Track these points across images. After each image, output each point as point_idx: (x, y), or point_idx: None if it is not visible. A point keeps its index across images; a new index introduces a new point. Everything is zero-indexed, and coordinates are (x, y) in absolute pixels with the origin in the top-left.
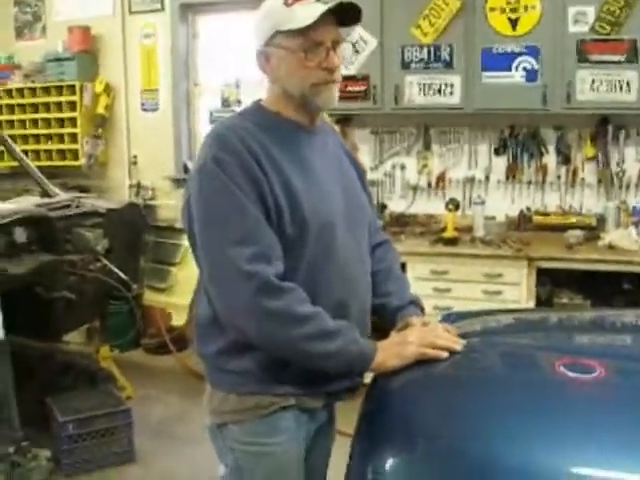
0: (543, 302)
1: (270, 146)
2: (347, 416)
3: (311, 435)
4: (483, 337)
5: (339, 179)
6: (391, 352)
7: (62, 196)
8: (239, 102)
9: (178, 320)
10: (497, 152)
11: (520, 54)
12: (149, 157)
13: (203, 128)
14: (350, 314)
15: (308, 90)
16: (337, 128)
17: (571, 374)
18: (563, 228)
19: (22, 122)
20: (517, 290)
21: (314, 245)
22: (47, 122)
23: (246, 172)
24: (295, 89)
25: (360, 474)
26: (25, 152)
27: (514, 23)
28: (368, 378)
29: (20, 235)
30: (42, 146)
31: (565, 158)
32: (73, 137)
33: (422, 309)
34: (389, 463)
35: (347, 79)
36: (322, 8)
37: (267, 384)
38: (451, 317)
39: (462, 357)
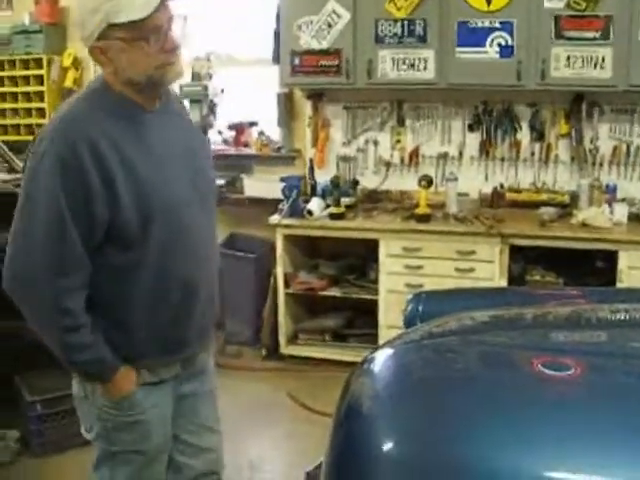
0: (516, 279)
1: (114, 134)
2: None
3: (181, 393)
4: (459, 336)
5: (188, 160)
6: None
7: None
8: (210, 76)
9: None
10: (471, 128)
11: (495, 29)
12: None
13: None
14: (199, 291)
15: (153, 73)
16: (308, 102)
17: (549, 372)
18: (536, 205)
19: None
20: (490, 267)
21: (162, 228)
22: (14, 96)
23: (81, 175)
24: (140, 76)
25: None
26: None
27: None
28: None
29: None
30: (9, 121)
31: (539, 135)
32: (41, 111)
33: None
34: (365, 464)
35: (320, 53)
36: None
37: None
38: (421, 297)
39: (438, 357)
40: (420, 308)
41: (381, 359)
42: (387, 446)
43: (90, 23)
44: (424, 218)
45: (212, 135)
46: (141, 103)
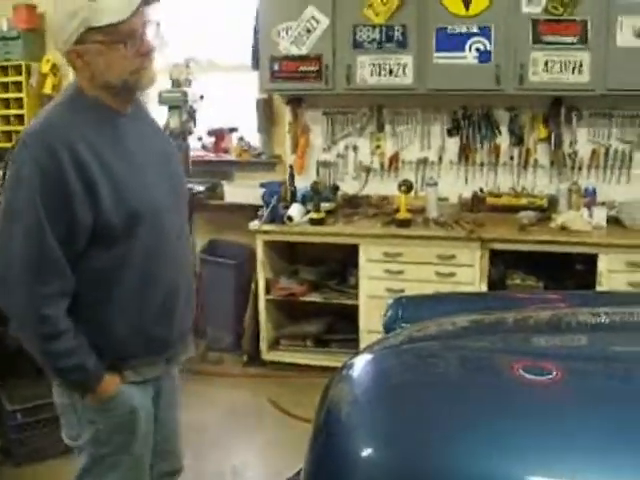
0: (496, 283)
1: (92, 138)
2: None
3: (156, 397)
4: (439, 341)
5: (161, 164)
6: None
7: None
8: (189, 82)
9: None
10: (450, 133)
11: (473, 35)
12: None
13: (153, 108)
14: (180, 294)
15: (129, 77)
16: (287, 108)
17: (529, 376)
18: (516, 209)
19: None
20: (470, 271)
21: (147, 230)
22: None
23: (62, 180)
24: (116, 79)
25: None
26: None
27: (467, 3)
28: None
29: None
30: None
31: (518, 139)
32: (19, 118)
33: None
34: (343, 471)
35: (299, 59)
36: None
37: (111, 362)
38: (401, 301)
39: (418, 362)
40: (400, 313)
41: (360, 364)
42: (366, 452)
43: (69, 27)
44: (404, 223)
45: (192, 141)
46: (115, 107)
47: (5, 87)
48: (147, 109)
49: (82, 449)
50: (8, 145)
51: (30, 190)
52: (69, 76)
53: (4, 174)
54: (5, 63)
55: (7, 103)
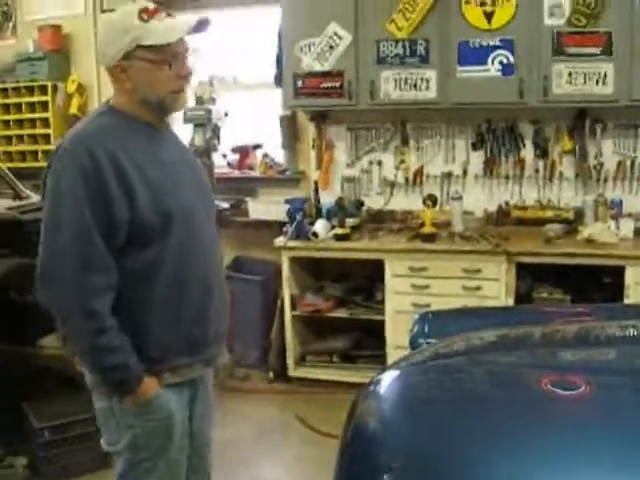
0: (523, 297)
1: (129, 147)
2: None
3: (191, 403)
4: (466, 356)
5: (189, 171)
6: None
7: (34, 198)
8: (213, 100)
9: None
10: (474, 147)
11: (496, 48)
12: None
13: (178, 127)
14: (214, 295)
15: (166, 97)
16: (311, 124)
17: (558, 391)
18: (541, 222)
19: None
20: (496, 285)
21: (180, 230)
22: (19, 123)
23: (101, 179)
24: (154, 97)
25: None
26: None
27: (489, 16)
28: None
29: None
30: (14, 147)
31: (543, 152)
32: (46, 138)
33: None
34: None
35: (322, 75)
36: (181, 25)
37: (152, 362)
38: (427, 317)
39: (445, 378)
40: (426, 328)
41: (387, 381)
42: (394, 468)
43: (119, 42)
44: (429, 237)
45: (216, 158)
46: (150, 121)
47: (32, 107)
48: (171, 127)
49: (120, 454)
50: (35, 164)
51: (74, 192)
52: (94, 96)
53: (44, 183)
54: (31, 84)
55: (34, 123)
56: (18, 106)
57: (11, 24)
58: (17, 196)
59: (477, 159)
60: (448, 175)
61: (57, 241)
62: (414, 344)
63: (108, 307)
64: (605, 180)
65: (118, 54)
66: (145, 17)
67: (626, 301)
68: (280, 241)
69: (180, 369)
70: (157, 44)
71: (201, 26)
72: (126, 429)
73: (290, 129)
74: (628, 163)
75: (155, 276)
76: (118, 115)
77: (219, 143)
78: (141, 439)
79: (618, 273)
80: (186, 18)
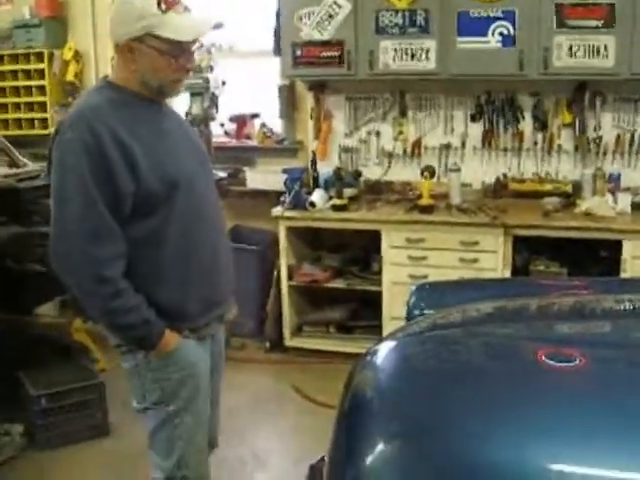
0: (519, 270)
1: (129, 120)
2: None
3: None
4: (463, 328)
5: (189, 142)
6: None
7: (31, 166)
8: (211, 68)
9: None
10: (473, 118)
11: (496, 19)
12: None
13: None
14: (221, 256)
15: (167, 84)
16: (310, 94)
17: (553, 363)
18: (539, 195)
19: None
20: (493, 258)
21: (184, 197)
22: (15, 90)
23: (103, 154)
24: (155, 81)
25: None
26: None
27: None
28: None
29: None
30: (10, 115)
31: (542, 124)
32: (42, 106)
33: None
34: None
35: (321, 44)
36: (198, 26)
37: (170, 323)
38: (424, 288)
39: (442, 349)
40: (423, 299)
41: (384, 351)
42: (390, 438)
43: (132, 25)
44: (427, 209)
45: (214, 127)
46: (147, 96)
47: (28, 75)
48: (174, 110)
49: (149, 410)
50: (32, 132)
51: (79, 167)
52: (91, 63)
53: (49, 160)
54: (27, 50)
55: (30, 90)
56: (14, 73)
57: None
58: (13, 164)
59: (476, 131)
60: (446, 146)
61: (65, 215)
62: (411, 315)
63: (120, 273)
64: (604, 154)
65: (127, 36)
66: (163, 7)
67: (623, 275)
68: (277, 211)
69: (199, 329)
70: (170, 38)
71: (215, 28)
72: (152, 384)
73: (288, 98)
74: (627, 137)
75: (163, 242)
76: (118, 90)
77: (217, 112)
78: (168, 391)
79: (615, 247)
80: (203, 18)
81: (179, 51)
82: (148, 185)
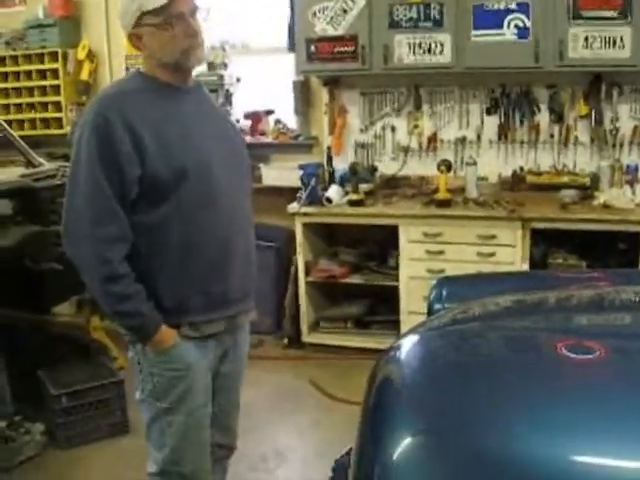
0: (538, 263)
1: (146, 106)
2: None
3: (218, 358)
4: (484, 322)
5: (216, 130)
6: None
7: (47, 166)
8: (225, 65)
9: None
10: (489, 111)
11: (511, 11)
12: None
13: None
14: (236, 251)
15: (180, 56)
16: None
17: (573, 355)
18: (557, 188)
19: (4, 91)
20: (511, 251)
21: (195, 186)
22: (30, 91)
23: (111, 136)
24: (169, 58)
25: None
26: (8, 122)
27: None
28: None
29: (5, 207)
30: (25, 115)
31: (558, 117)
32: (57, 105)
33: None
34: (398, 450)
35: (335, 40)
36: None
37: (170, 315)
38: (445, 282)
39: (465, 343)
40: (444, 293)
41: (407, 346)
42: (416, 432)
43: (129, 13)
44: (444, 203)
45: None
46: (174, 83)
47: (42, 74)
48: (207, 95)
49: (145, 402)
50: (47, 132)
51: (89, 150)
52: (105, 62)
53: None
54: (41, 50)
55: (44, 90)
56: (28, 74)
57: None
58: (29, 164)
59: (491, 124)
60: (462, 140)
61: (74, 199)
62: (432, 309)
63: (121, 256)
64: (621, 145)
65: (130, 23)
66: None
67: None
68: (293, 207)
69: (199, 324)
70: (157, 7)
71: None
72: (148, 377)
73: (303, 94)
74: None
75: (169, 230)
76: (141, 78)
77: (231, 109)
78: (161, 388)
79: (634, 239)
80: None
81: (171, 17)
82: (154, 171)
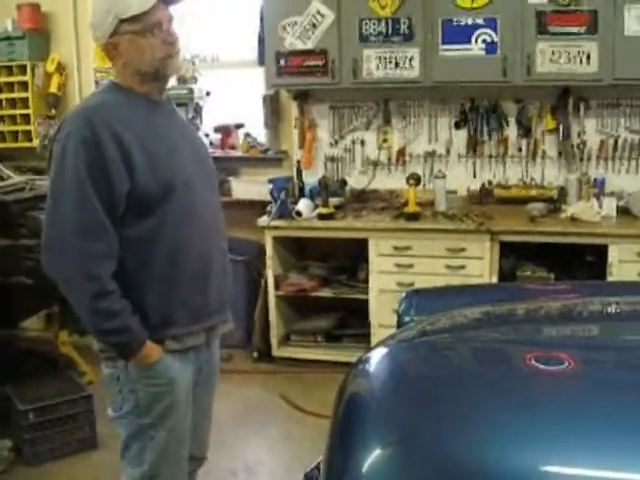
0: (507, 276)
1: (128, 120)
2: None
3: (198, 370)
4: (453, 333)
5: (189, 143)
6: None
7: (15, 179)
8: (195, 79)
9: None
10: (457, 125)
11: (479, 26)
12: None
13: None
14: (213, 264)
15: (158, 64)
16: (294, 103)
17: (542, 366)
18: (525, 201)
19: None
20: (480, 264)
21: (179, 200)
22: None
23: (101, 150)
24: (147, 66)
25: (339, 472)
26: None
27: None
28: None
29: None
30: None
31: (526, 130)
32: (26, 118)
33: None
34: (367, 462)
35: (305, 54)
36: None
37: (154, 329)
38: (414, 295)
39: (434, 354)
40: (414, 305)
41: (376, 359)
42: (386, 445)
43: (105, 22)
44: (413, 216)
45: None
46: (148, 94)
47: (11, 87)
48: (176, 109)
49: (124, 419)
50: (16, 145)
51: (75, 162)
52: (74, 75)
53: (49, 159)
54: (10, 63)
55: (13, 103)
56: None
57: None
58: None
59: (460, 138)
60: (431, 154)
61: (59, 210)
62: (401, 321)
63: (109, 272)
64: (588, 159)
65: (107, 32)
66: None
67: (609, 279)
68: (263, 221)
69: (182, 337)
70: (136, 14)
71: None
72: (129, 394)
73: (273, 108)
74: (611, 142)
75: (155, 244)
76: (118, 90)
77: (201, 122)
78: (144, 403)
79: (601, 251)
80: None
81: (151, 25)
82: (142, 185)
